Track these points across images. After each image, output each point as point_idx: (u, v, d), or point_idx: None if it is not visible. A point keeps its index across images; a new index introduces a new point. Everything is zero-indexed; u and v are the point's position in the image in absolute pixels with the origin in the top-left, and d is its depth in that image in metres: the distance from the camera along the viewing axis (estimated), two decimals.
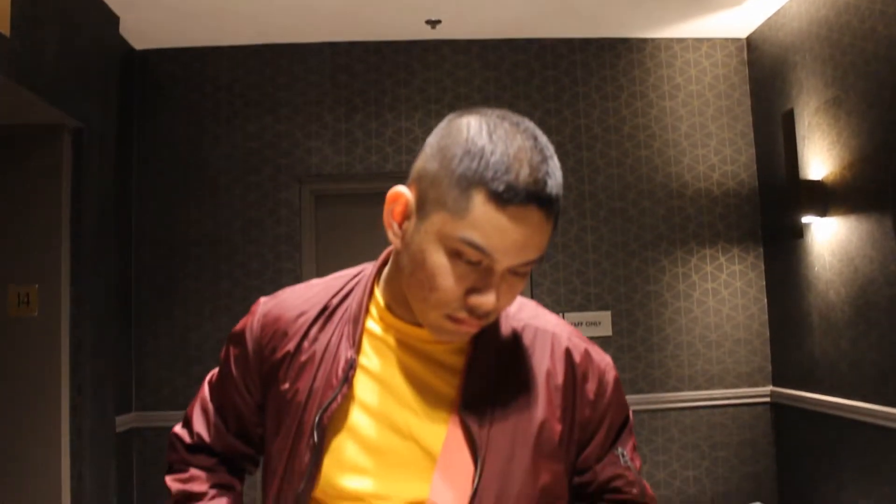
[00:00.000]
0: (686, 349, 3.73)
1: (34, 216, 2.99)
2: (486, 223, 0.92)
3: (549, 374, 1.05)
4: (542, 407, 1.04)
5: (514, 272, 0.97)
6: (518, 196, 0.91)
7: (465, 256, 0.94)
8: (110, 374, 3.33)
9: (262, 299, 1.15)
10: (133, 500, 3.63)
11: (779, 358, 3.70)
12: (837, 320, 3.14)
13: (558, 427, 1.04)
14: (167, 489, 1.16)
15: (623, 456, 1.11)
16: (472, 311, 0.97)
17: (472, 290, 0.96)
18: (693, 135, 3.82)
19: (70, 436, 2.98)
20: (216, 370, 1.21)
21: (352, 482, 1.01)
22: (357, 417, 1.03)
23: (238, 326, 1.14)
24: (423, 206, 0.97)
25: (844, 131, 3.04)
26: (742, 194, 3.81)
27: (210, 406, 1.18)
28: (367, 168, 3.74)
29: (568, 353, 1.08)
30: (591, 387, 1.08)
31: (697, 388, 3.73)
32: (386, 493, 1.00)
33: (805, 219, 3.27)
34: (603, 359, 1.11)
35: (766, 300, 3.79)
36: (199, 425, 1.18)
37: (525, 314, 1.10)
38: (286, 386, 1.06)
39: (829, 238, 3.18)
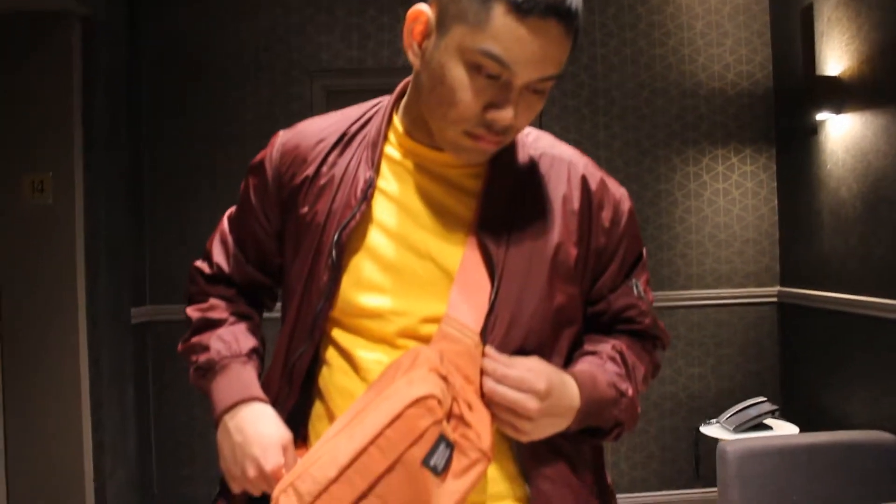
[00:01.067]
0: (695, 248, 3.75)
1: (46, 105, 2.99)
2: (505, 34, 0.92)
3: (566, 200, 1.07)
4: (558, 230, 1.05)
5: (532, 89, 0.98)
6: (538, 7, 0.91)
7: (484, 70, 0.95)
8: (125, 264, 3.37)
9: (281, 132, 1.16)
10: (148, 392, 3.70)
11: (787, 258, 3.72)
12: (848, 217, 3.14)
13: (573, 251, 1.06)
14: (187, 319, 1.19)
15: (637, 287, 1.13)
16: (490, 127, 0.98)
17: (490, 106, 0.97)
18: (709, 34, 3.77)
19: (87, 324, 3.03)
20: (234, 207, 1.22)
21: (369, 300, 1.03)
22: (375, 237, 1.05)
23: (257, 158, 1.16)
24: (443, 22, 0.97)
25: (865, 24, 2.99)
26: (756, 94, 3.78)
27: (229, 238, 1.20)
28: (379, 62, 3.71)
29: (584, 181, 1.09)
30: (606, 214, 1.09)
31: (706, 286, 3.75)
32: (403, 309, 1.02)
33: (820, 116, 3.25)
34: (618, 189, 1.12)
35: (776, 201, 3.78)
36: (219, 256, 1.20)
37: (542, 143, 1.11)
38: (305, 209, 1.07)
39: (843, 134, 3.17)
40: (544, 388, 0.98)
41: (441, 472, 0.90)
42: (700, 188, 3.77)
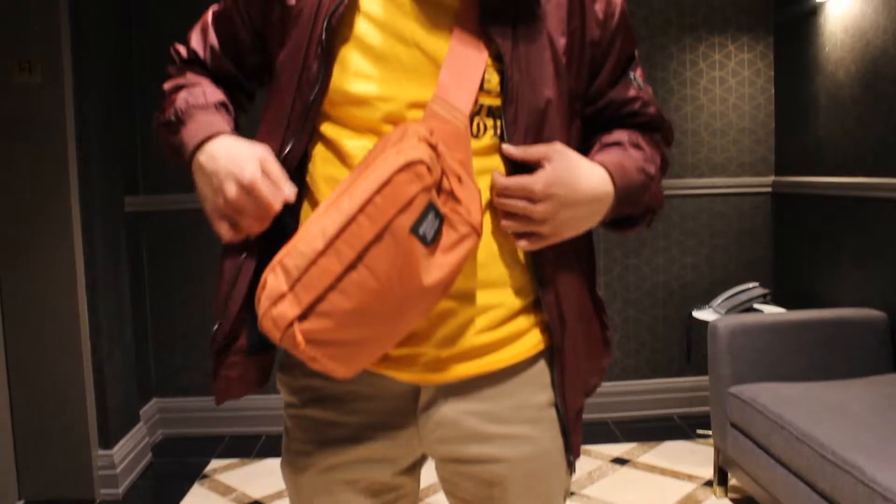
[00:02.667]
0: (690, 137, 3.73)
1: None
2: None
3: None
4: (552, 20, 1.04)
5: None
6: None
7: None
8: (117, 151, 3.34)
9: None
10: (144, 282, 3.72)
11: (783, 147, 3.70)
12: (845, 99, 3.11)
13: (562, 40, 1.05)
14: (161, 93, 1.17)
15: (636, 80, 1.13)
16: None
17: None
18: None
19: (80, 211, 3.02)
20: (218, 4, 1.20)
21: (357, 86, 1.02)
22: (362, 27, 1.03)
23: None
24: None
25: None
26: None
27: (210, 29, 1.18)
28: None
29: None
30: (599, 7, 1.08)
31: (700, 175, 3.75)
32: (389, 95, 1.01)
33: None
34: None
35: (773, 90, 3.75)
36: (197, 43, 1.19)
37: None
38: (292, 2, 1.05)
39: (843, 14, 3.12)
40: (541, 188, 0.98)
41: (430, 243, 0.90)
42: (696, 76, 3.73)
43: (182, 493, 3.11)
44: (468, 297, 1.04)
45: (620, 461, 3.29)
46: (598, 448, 3.45)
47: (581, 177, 1.03)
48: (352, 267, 0.91)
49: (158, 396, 3.80)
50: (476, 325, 1.06)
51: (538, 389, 1.12)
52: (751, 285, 3.40)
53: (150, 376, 3.76)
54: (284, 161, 1.06)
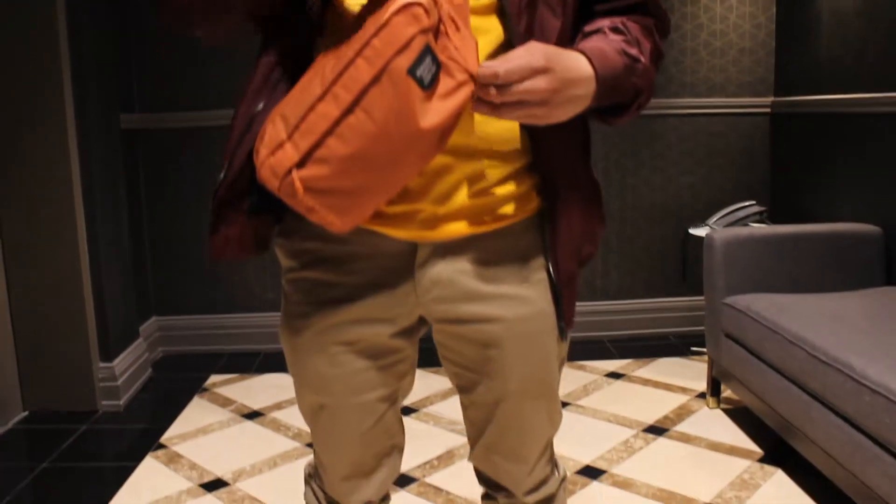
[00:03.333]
0: (690, 56, 3.70)
1: None
2: None
3: None
4: None
5: None
6: None
7: None
8: (111, 67, 3.32)
9: None
10: (141, 202, 3.72)
11: (782, 67, 3.68)
12: (847, 12, 3.09)
13: None
14: None
15: None
16: None
17: None
18: None
19: (76, 127, 3.00)
20: None
21: None
22: None
23: None
24: None
25: None
26: None
27: None
28: None
29: None
30: None
31: (698, 95, 3.73)
32: None
33: None
34: None
35: (774, 9, 3.71)
36: None
37: None
38: None
39: None
40: (543, 63, 0.97)
41: (427, 87, 0.90)
42: None
43: (182, 404, 3.15)
44: (464, 155, 1.05)
45: (615, 375, 3.34)
46: (593, 364, 3.49)
47: (569, 58, 1.02)
48: (349, 111, 0.91)
49: (158, 315, 3.83)
50: (472, 184, 1.07)
51: (532, 252, 1.14)
52: (747, 203, 3.41)
53: (148, 295, 3.79)
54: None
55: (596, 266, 3.83)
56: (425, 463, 2.56)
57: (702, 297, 3.50)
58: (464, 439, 2.71)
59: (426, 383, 3.27)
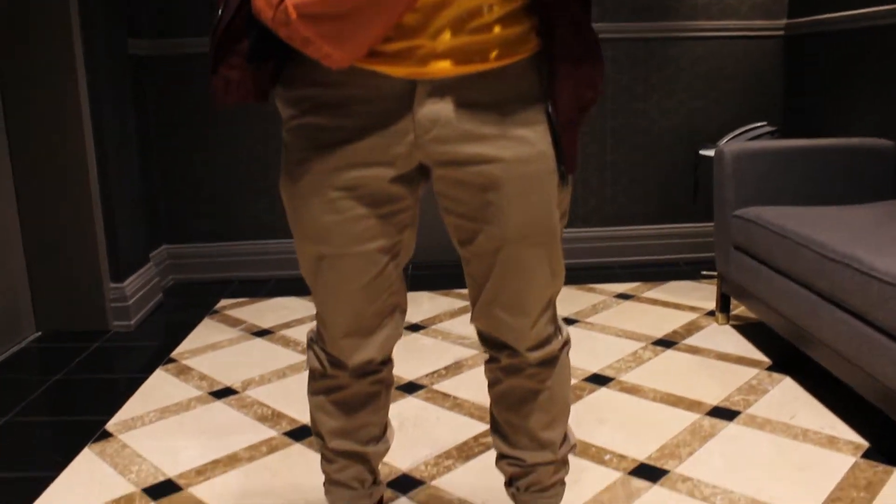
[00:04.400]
0: None
1: None
2: None
3: None
4: None
5: None
6: None
7: None
8: None
9: None
10: (150, 129, 3.71)
11: None
12: None
13: None
14: None
15: None
16: None
17: None
18: None
19: (84, 51, 2.99)
20: None
21: None
22: None
23: None
24: None
25: None
26: None
27: None
28: None
29: None
30: None
31: (710, 18, 3.67)
32: None
33: None
34: None
35: None
36: None
37: None
38: None
39: None
40: None
41: None
42: None
43: (193, 325, 3.17)
44: None
45: (624, 296, 3.33)
46: (602, 286, 3.49)
47: None
48: None
49: (168, 243, 3.84)
50: (470, 20, 1.05)
51: (531, 94, 1.13)
52: (760, 124, 3.38)
53: (158, 223, 3.80)
54: None
55: (605, 191, 3.81)
56: (433, 372, 2.58)
57: (712, 224, 3.48)
58: (472, 352, 2.72)
59: (436, 304, 3.28)
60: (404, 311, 1.32)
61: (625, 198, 3.82)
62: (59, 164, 3.04)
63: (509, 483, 1.44)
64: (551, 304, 1.27)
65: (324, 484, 1.45)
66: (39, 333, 3.17)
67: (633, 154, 3.78)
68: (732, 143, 2.82)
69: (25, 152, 3.03)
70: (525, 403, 1.34)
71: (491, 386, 1.39)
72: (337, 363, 1.31)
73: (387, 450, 1.45)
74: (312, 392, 1.38)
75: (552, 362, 1.32)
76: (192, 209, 3.81)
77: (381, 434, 1.43)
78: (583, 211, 3.81)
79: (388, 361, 1.37)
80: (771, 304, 2.48)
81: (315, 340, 1.35)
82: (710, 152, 3.29)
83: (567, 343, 1.35)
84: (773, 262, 2.42)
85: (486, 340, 1.32)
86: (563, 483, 1.42)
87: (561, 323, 1.35)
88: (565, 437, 1.40)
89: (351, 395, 1.35)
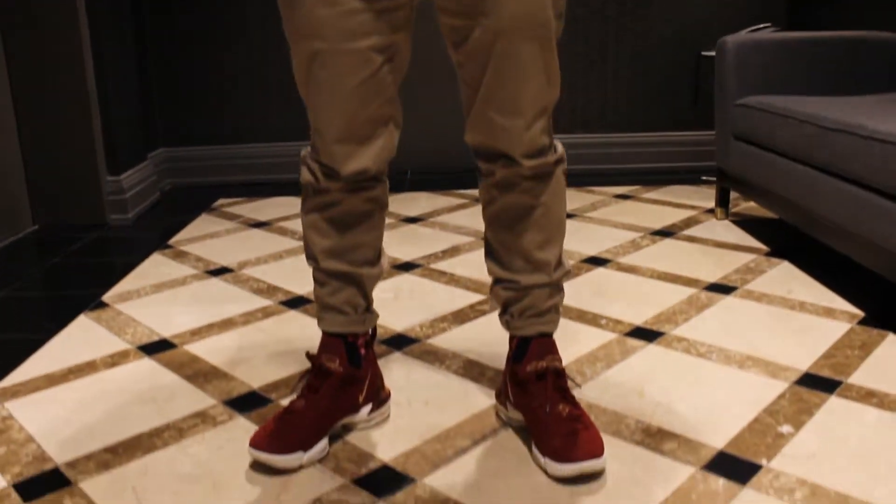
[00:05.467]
0: None
1: None
2: None
3: None
4: None
5: None
6: None
7: None
8: None
9: None
10: (146, 32, 3.66)
11: None
12: None
13: None
14: None
15: None
16: None
17: None
18: None
19: None
20: None
21: None
22: None
23: None
24: None
25: None
26: None
27: None
28: None
29: None
30: None
31: None
32: None
33: None
34: None
35: None
36: None
37: None
38: None
39: None
40: None
41: None
42: None
43: (190, 219, 3.16)
44: None
45: (623, 196, 3.32)
46: (602, 188, 3.47)
47: None
48: None
49: (166, 146, 3.81)
50: None
51: None
52: (763, 25, 3.33)
53: (156, 126, 3.77)
54: None
55: (605, 97, 3.77)
56: (430, 255, 2.57)
57: (713, 132, 3.46)
58: (469, 238, 2.72)
59: (434, 202, 3.27)
60: (399, 126, 1.31)
61: (625, 106, 3.79)
62: (54, 58, 3.00)
63: (504, 311, 1.44)
64: (546, 114, 1.26)
65: (316, 314, 1.45)
66: (36, 227, 3.16)
67: (635, 62, 3.73)
68: (735, 35, 2.78)
69: (21, 46, 2.99)
70: (519, 221, 1.33)
71: (486, 207, 1.38)
72: (330, 173, 1.29)
73: (380, 274, 1.44)
74: (306, 211, 1.37)
75: (547, 177, 1.31)
76: (190, 112, 3.77)
77: (375, 258, 1.42)
78: (583, 117, 3.78)
79: (381, 179, 1.36)
80: (771, 189, 2.46)
81: (309, 155, 1.34)
82: (712, 53, 3.25)
83: (562, 160, 1.34)
84: (774, 144, 2.40)
85: (481, 153, 1.31)
86: (557, 310, 1.42)
87: (557, 142, 1.33)
88: (560, 261, 1.39)
89: (344, 212, 1.34)
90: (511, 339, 1.44)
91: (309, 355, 1.43)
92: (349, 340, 1.42)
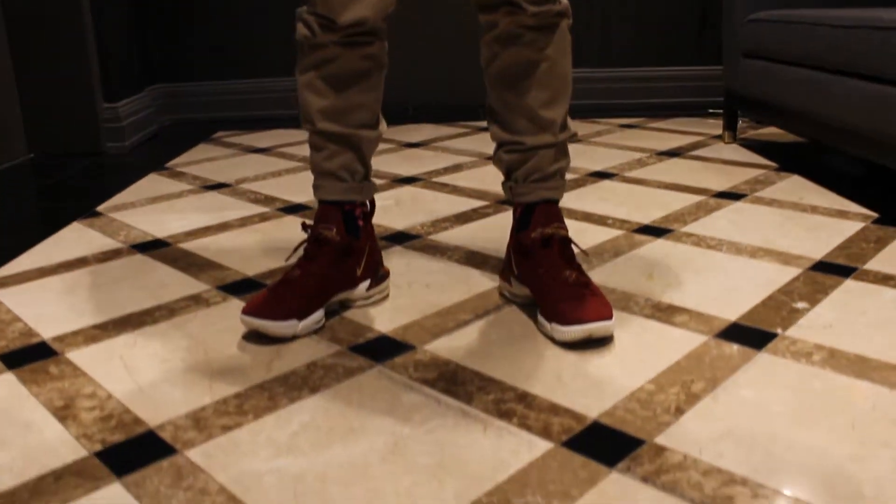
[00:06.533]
0: None
1: None
2: None
3: None
4: None
5: None
6: None
7: None
8: None
9: None
10: None
11: None
12: None
13: None
14: None
15: None
16: None
17: None
18: None
19: None
20: None
21: None
22: None
23: None
24: None
25: None
26: None
27: None
28: None
29: None
30: None
31: None
32: None
33: None
34: None
35: None
36: None
37: None
38: None
39: None
40: None
41: None
42: None
43: (187, 149, 3.10)
44: None
45: (629, 126, 3.25)
46: (607, 120, 3.41)
47: None
48: None
49: (163, 82, 3.75)
50: None
51: None
52: None
53: (153, 61, 3.69)
54: None
55: (609, 32, 3.69)
56: (432, 171, 2.51)
57: (719, 67, 3.39)
58: (472, 158, 2.66)
59: (437, 131, 3.22)
60: None
61: (630, 39, 3.71)
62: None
63: (507, 177, 1.38)
64: None
65: (313, 184, 1.39)
66: (32, 155, 3.10)
67: None
68: None
69: None
70: (523, 78, 1.27)
71: (488, 66, 1.32)
72: (327, 24, 1.23)
73: (378, 138, 1.38)
74: (301, 70, 1.31)
75: (551, 29, 1.25)
76: (188, 47, 3.70)
77: (374, 122, 1.36)
78: (586, 52, 3.70)
79: (380, 35, 1.29)
80: (782, 102, 2.39)
81: (305, 10, 1.27)
82: None
83: (567, 14, 1.27)
84: (785, 53, 2.34)
85: (483, 2, 1.25)
86: (563, 177, 1.36)
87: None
88: (565, 123, 1.33)
89: (341, 70, 1.28)
90: (515, 208, 1.39)
91: (305, 225, 1.37)
92: (346, 209, 1.36)
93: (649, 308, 1.40)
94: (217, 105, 3.72)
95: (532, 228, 1.33)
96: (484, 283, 1.54)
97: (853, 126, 1.99)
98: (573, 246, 1.32)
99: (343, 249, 1.35)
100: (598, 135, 3.06)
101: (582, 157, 2.63)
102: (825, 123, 2.14)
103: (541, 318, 1.28)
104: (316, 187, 1.38)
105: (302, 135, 3.23)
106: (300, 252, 1.77)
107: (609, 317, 1.22)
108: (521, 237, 1.35)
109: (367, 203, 1.41)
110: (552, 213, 1.34)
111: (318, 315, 1.32)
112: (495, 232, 1.85)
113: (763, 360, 1.19)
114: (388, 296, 1.48)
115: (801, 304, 1.40)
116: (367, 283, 1.41)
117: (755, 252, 1.68)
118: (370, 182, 1.39)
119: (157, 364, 1.24)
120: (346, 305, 1.43)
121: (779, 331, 1.29)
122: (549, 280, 1.28)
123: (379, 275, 1.44)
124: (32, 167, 2.85)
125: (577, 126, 3.27)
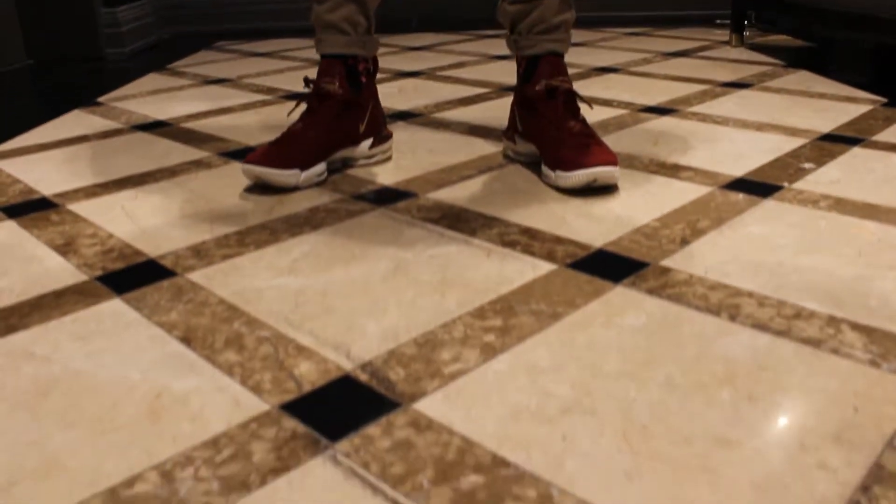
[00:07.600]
0: None
1: None
2: None
3: None
4: None
5: None
6: None
7: None
8: None
9: None
10: None
11: None
12: None
13: None
14: None
15: None
16: None
17: None
18: None
19: None
20: None
21: None
22: None
23: None
24: None
25: None
26: None
27: None
28: None
29: None
30: None
31: None
32: None
33: None
34: None
35: None
36: None
37: None
38: None
39: None
40: None
41: None
42: None
43: (187, 54, 3.06)
44: None
45: (634, 34, 3.20)
46: (611, 28, 3.35)
47: None
48: None
49: None
50: None
51: None
52: None
53: None
54: None
55: None
56: (436, 67, 2.48)
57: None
58: (474, 57, 2.62)
59: (440, 38, 3.17)
60: None
61: None
62: None
63: (511, 30, 1.36)
64: None
65: (315, 38, 1.37)
66: (31, 62, 3.06)
67: None
68: None
69: None
70: None
71: None
72: None
73: None
74: None
75: None
76: None
77: None
78: None
79: None
80: None
81: None
82: None
83: None
84: None
85: None
86: (567, 30, 1.34)
87: None
88: None
89: None
90: (519, 64, 1.36)
91: (307, 80, 1.35)
92: (349, 63, 1.34)
93: (654, 166, 1.39)
94: (217, 18, 3.67)
95: (536, 80, 1.30)
96: (488, 147, 1.53)
97: (868, 10, 1.96)
98: (578, 102, 1.30)
99: (346, 103, 1.33)
100: (603, 40, 3.02)
101: (586, 57, 2.60)
102: (839, 12, 2.10)
103: (545, 169, 1.27)
104: (318, 41, 1.35)
105: (305, 42, 3.18)
106: (302, 107, 1.75)
107: (614, 162, 1.20)
108: (525, 89, 1.33)
109: (370, 60, 1.39)
110: (557, 65, 1.31)
111: (321, 168, 1.31)
112: (499, 111, 1.83)
113: (769, 205, 1.18)
114: (390, 157, 1.47)
115: (808, 165, 1.38)
116: (369, 142, 1.39)
117: (762, 126, 1.66)
118: (373, 37, 1.37)
119: (158, 213, 1.23)
120: (348, 164, 1.41)
121: (785, 184, 1.28)
122: (552, 131, 1.26)
123: (382, 135, 1.42)
124: (32, 72, 2.81)
125: (579, 33, 3.22)
